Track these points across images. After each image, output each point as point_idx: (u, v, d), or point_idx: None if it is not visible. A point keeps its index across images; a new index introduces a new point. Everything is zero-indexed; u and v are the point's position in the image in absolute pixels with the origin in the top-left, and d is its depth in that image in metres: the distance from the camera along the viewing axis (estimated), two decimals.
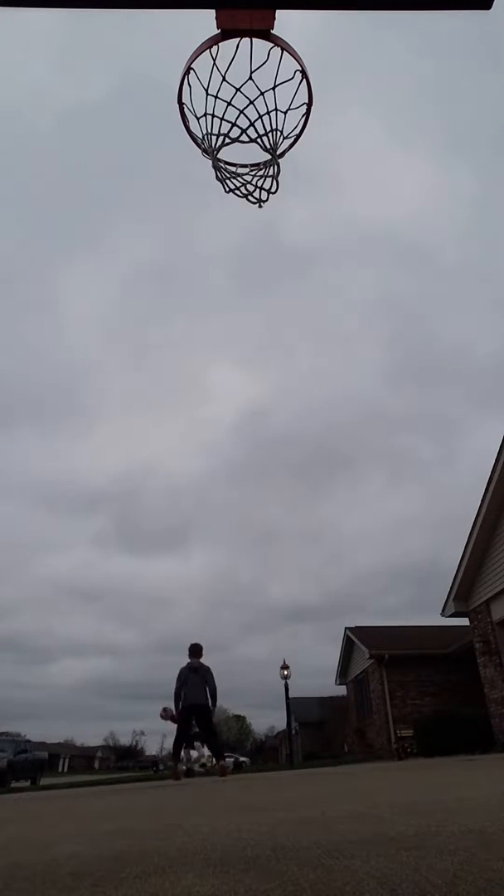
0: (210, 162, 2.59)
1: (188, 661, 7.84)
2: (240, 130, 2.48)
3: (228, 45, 2.22)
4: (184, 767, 8.70)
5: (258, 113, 2.42)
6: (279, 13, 2.17)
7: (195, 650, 7.92)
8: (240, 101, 2.38)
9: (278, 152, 2.56)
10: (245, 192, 2.66)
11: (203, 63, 2.29)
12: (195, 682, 7.64)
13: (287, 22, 2.19)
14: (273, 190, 2.63)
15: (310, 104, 2.40)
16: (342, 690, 26.23)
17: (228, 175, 2.63)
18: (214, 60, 2.27)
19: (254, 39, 2.20)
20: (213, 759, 8.90)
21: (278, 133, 2.49)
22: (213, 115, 2.42)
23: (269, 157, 2.57)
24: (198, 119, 2.45)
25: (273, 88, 2.34)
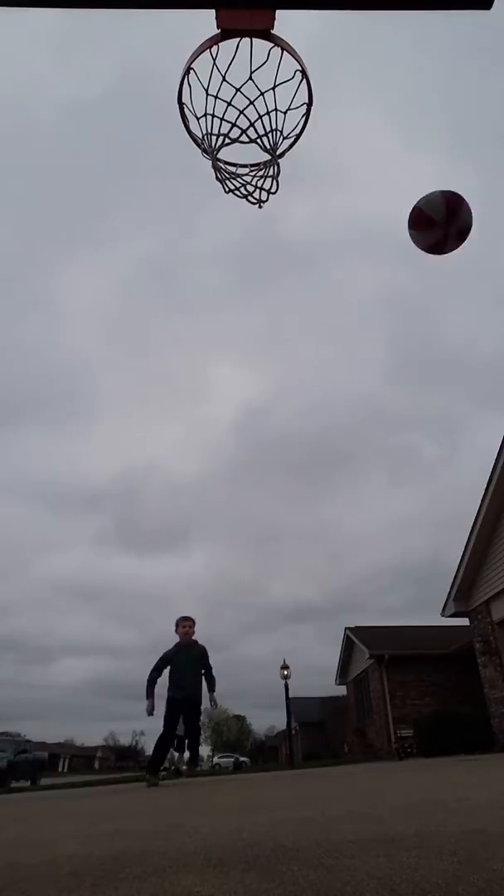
0: (210, 162, 2.59)
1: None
2: (240, 131, 2.48)
3: (228, 45, 2.22)
4: (170, 768, 7.80)
5: (258, 113, 2.42)
6: (279, 13, 2.17)
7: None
8: (240, 102, 2.38)
9: (278, 152, 2.56)
10: (245, 192, 2.66)
11: (203, 63, 2.29)
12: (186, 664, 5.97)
13: (287, 22, 2.19)
14: (273, 190, 2.63)
15: (310, 104, 2.40)
16: (342, 690, 26.23)
17: (228, 175, 2.63)
18: (214, 60, 2.26)
19: (254, 39, 2.20)
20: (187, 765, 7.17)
21: (278, 133, 2.49)
22: (213, 116, 2.42)
23: (269, 157, 2.57)
24: (198, 119, 2.45)
25: (273, 88, 2.34)
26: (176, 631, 6.22)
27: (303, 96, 2.38)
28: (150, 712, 5.78)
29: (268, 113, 2.43)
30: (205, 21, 2.17)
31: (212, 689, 6.02)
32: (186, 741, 6.46)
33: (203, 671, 6.04)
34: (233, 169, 2.64)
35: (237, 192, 2.66)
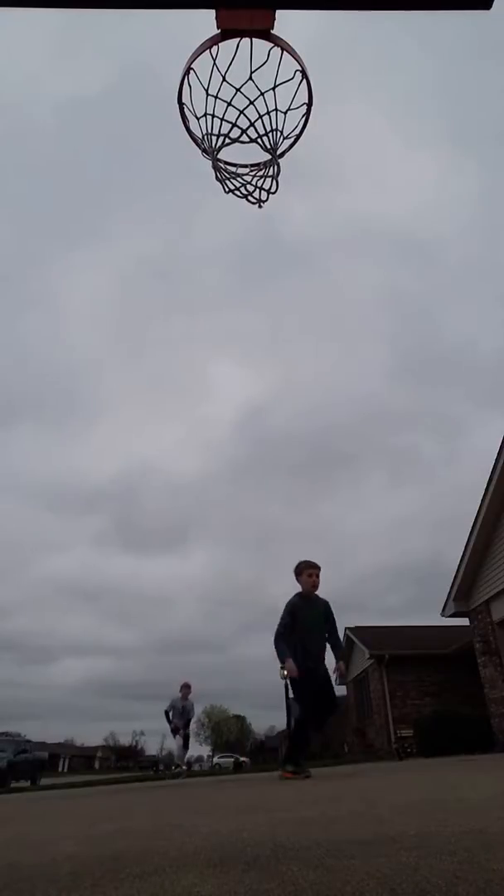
0: (210, 162, 2.59)
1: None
2: (240, 131, 2.48)
3: (228, 45, 2.22)
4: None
5: (258, 113, 2.42)
6: (279, 13, 2.17)
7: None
8: (240, 102, 2.38)
9: (278, 152, 2.56)
10: (245, 192, 2.66)
11: (203, 63, 2.29)
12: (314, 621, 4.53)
13: (287, 22, 2.19)
14: (273, 190, 2.63)
15: (310, 104, 2.40)
16: (342, 690, 26.24)
17: (228, 175, 2.63)
18: (214, 60, 2.27)
19: (254, 39, 2.20)
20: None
21: (278, 133, 2.49)
22: (213, 116, 2.42)
23: (269, 157, 2.57)
24: (198, 119, 2.45)
25: (273, 88, 2.35)
26: (298, 579, 4.67)
27: (303, 96, 2.38)
28: (295, 673, 4.34)
29: (268, 113, 2.43)
30: (205, 21, 2.17)
31: (340, 656, 4.62)
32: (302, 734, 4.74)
33: (327, 633, 4.59)
34: (233, 169, 2.64)
35: (237, 192, 2.66)
